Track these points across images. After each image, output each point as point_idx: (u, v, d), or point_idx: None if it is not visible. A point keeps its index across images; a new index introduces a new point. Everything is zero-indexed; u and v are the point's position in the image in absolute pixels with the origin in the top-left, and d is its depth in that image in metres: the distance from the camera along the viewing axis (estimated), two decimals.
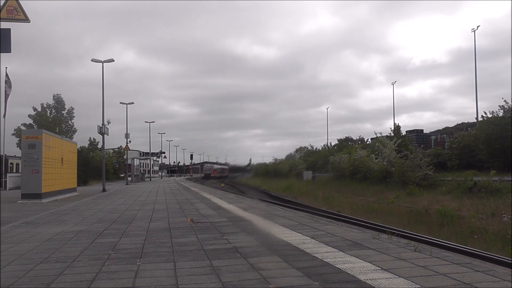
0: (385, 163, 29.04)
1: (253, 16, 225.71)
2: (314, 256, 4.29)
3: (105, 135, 25.87)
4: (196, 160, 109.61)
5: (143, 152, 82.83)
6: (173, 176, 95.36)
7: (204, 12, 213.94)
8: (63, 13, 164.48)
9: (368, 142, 59.39)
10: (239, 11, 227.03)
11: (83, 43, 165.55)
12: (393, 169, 26.79)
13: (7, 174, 27.74)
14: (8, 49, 8.15)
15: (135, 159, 50.79)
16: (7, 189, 25.33)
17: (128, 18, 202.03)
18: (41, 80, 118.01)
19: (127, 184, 37.74)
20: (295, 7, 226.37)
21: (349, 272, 3.57)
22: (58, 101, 40.94)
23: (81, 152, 35.20)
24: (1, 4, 8.75)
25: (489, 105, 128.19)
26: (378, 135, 35.88)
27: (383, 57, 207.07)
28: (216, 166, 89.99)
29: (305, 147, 65.77)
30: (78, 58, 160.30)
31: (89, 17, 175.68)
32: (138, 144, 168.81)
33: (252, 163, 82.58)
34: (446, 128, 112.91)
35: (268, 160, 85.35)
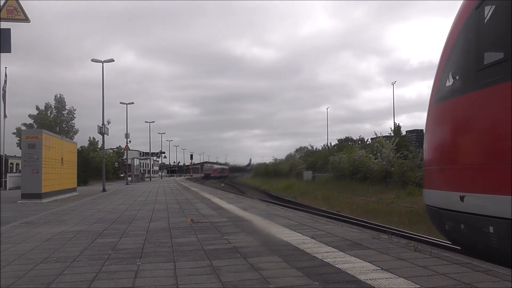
0: (384, 163, 29.03)
1: (252, 18, 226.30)
2: (314, 256, 4.28)
3: (105, 135, 25.90)
4: (196, 160, 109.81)
5: (143, 152, 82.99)
6: (173, 176, 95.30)
7: (203, 14, 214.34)
8: (64, 15, 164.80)
9: (368, 142, 59.44)
10: (238, 13, 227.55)
11: (84, 45, 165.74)
12: (393, 169, 26.80)
13: (7, 174, 27.76)
14: (8, 49, 8.16)
15: (135, 159, 50.81)
16: (7, 189, 25.33)
17: (128, 20, 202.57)
18: (42, 81, 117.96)
19: (127, 184, 37.73)
20: (293, 9, 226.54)
21: (349, 272, 3.56)
22: (59, 101, 40.99)
23: (81, 152, 35.23)
24: (1, 4, 8.75)
25: None
26: (378, 135, 35.83)
27: (381, 59, 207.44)
28: (216, 166, 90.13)
29: (305, 147, 65.87)
30: (79, 60, 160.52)
31: (90, 19, 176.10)
32: (138, 144, 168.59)
33: (252, 163, 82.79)
34: None
35: (268, 160, 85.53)
